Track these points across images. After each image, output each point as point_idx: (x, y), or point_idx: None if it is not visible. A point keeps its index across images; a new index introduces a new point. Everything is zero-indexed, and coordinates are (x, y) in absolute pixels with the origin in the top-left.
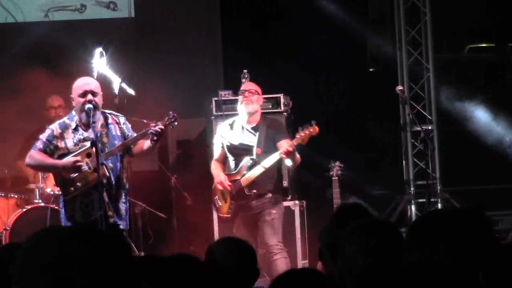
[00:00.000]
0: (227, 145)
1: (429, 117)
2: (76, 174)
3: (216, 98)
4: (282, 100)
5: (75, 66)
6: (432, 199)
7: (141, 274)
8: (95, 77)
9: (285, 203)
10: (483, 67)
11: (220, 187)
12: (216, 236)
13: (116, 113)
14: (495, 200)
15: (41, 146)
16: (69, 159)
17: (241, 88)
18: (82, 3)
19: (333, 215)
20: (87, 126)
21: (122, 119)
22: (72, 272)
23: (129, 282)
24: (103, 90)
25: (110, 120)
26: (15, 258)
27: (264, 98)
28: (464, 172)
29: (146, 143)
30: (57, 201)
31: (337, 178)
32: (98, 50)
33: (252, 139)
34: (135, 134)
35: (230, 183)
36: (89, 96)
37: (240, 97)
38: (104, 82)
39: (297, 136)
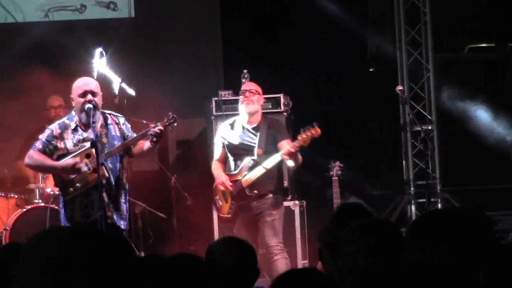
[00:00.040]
0: (227, 145)
1: (429, 117)
2: (75, 175)
3: (216, 98)
4: (282, 100)
5: (75, 66)
6: (432, 199)
7: (143, 274)
8: (95, 77)
9: (285, 203)
10: (483, 67)
11: (221, 187)
12: (216, 236)
13: (115, 114)
14: (495, 200)
15: (40, 147)
16: (68, 161)
17: (242, 88)
18: (82, 3)
19: (333, 215)
20: (87, 126)
21: (121, 120)
22: (72, 273)
23: (130, 282)
24: (103, 90)
25: (109, 121)
26: (15, 258)
27: (264, 98)
28: (464, 172)
29: (146, 144)
30: (57, 201)
31: (337, 178)
32: (98, 50)
33: (253, 140)
34: (134, 135)
35: (231, 184)
36: (89, 96)
37: (240, 97)
38: (104, 82)
39: (299, 137)
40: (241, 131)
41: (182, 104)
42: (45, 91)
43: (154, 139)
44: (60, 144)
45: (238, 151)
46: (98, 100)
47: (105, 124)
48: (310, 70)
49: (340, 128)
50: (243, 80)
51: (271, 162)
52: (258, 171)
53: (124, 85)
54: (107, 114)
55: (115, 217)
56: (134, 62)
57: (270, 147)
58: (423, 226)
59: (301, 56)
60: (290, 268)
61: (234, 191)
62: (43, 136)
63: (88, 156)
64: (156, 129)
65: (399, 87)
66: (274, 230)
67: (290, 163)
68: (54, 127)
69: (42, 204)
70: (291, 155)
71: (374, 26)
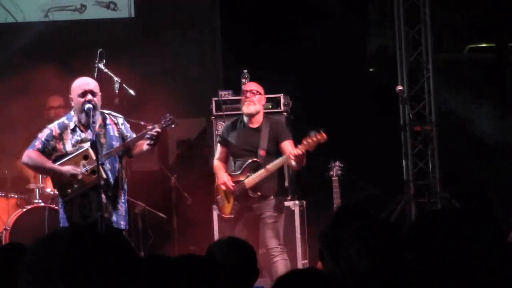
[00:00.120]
0: (230, 146)
1: (429, 117)
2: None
3: (216, 98)
4: (282, 100)
5: (75, 66)
6: (432, 199)
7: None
8: (95, 77)
9: (285, 203)
10: (483, 67)
11: (223, 187)
12: (216, 236)
13: (114, 114)
14: (495, 200)
15: (39, 146)
16: (68, 170)
17: (243, 89)
18: (82, 3)
19: (333, 215)
20: (86, 126)
21: (120, 120)
22: (77, 277)
23: (135, 284)
24: (103, 90)
25: (108, 121)
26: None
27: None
28: (464, 172)
29: (145, 145)
30: (56, 201)
31: (337, 178)
32: (98, 50)
33: (255, 140)
34: (134, 135)
35: (233, 184)
36: (89, 96)
37: (242, 98)
38: (104, 82)
39: (304, 142)
40: (243, 131)
41: (182, 104)
42: (45, 91)
43: (152, 142)
44: (59, 145)
45: (241, 151)
46: (98, 100)
47: (104, 125)
48: (310, 70)
49: (340, 128)
50: (243, 80)
51: (275, 165)
52: (262, 173)
53: (124, 85)
54: (106, 114)
55: (114, 217)
56: (134, 62)
57: (272, 148)
58: (422, 226)
59: (301, 56)
60: (291, 269)
61: (236, 192)
62: (42, 135)
63: (86, 157)
64: (153, 132)
65: (399, 87)
66: (275, 231)
67: (294, 165)
68: (54, 127)
69: (42, 204)
70: (299, 157)
71: (374, 26)
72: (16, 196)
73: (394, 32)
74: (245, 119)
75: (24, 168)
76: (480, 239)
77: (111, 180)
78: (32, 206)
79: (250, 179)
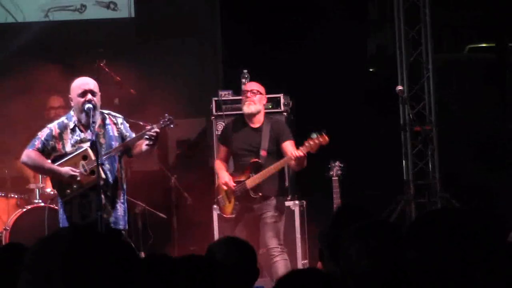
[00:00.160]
0: (230, 145)
1: (429, 117)
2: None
3: (216, 98)
4: (282, 100)
5: (75, 66)
6: (432, 199)
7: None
8: (95, 77)
9: (285, 203)
10: (483, 67)
11: (224, 187)
12: (216, 236)
13: (114, 114)
14: (495, 200)
15: (39, 146)
16: (68, 171)
17: (244, 88)
18: (82, 3)
19: (333, 215)
20: (86, 126)
21: (119, 120)
22: (77, 278)
23: (135, 284)
24: (102, 90)
25: (107, 121)
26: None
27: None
28: (464, 172)
29: (144, 145)
30: (56, 201)
31: (337, 178)
32: (98, 50)
33: (256, 140)
34: (133, 134)
35: (234, 184)
36: (89, 96)
37: (242, 98)
38: (104, 82)
39: (306, 144)
40: (244, 131)
41: (182, 104)
42: (45, 91)
43: (151, 143)
44: (59, 145)
45: (241, 151)
46: (97, 99)
47: (103, 124)
48: (310, 69)
49: (340, 128)
50: (243, 80)
51: (276, 166)
52: (263, 174)
53: (124, 85)
54: (105, 114)
55: (112, 218)
56: (133, 62)
57: (273, 148)
58: (422, 226)
59: (301, 56)
60: (291, 269)
61: (237, 192)
62: (42, 135)
63: (85, 158)
64: (152, 132)
65: (399, 87)
66: (275, 231)
67: (295, 166)
68: (54, 127)
69: (42, 204)
70: (300, 159)
71: (374, 26)
72: (16, 196)
73: (394, 32)
74: (246, 119)
75: (24, 168)
76: (480, 239)
77: (111, 180)
78: (32, 206)
79: (251, 180)
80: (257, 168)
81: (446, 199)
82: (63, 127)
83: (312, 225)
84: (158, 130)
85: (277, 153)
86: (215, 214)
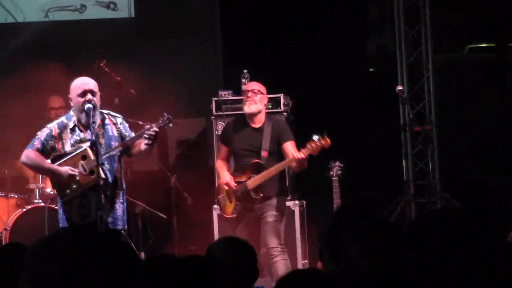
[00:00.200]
0: (231, 145)
1: (429, 117)
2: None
3: (216, 98)
4: (282, 100)
5: (75, 66)
6: (432, 199)
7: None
8: (95, 77)
9: (286, 203)
10: (483, 67)
11: (226, 187)
12: (216, 236)
13: (113, 113)
14: (495, 200)
15: (39, 146)
16: (67, 170)
17: (245, 88)
18: (82, 3)
19: (333, 215)
20: (86, 126)
21: (119, 120)
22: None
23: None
24: (102, 90)
25: (107, 121)
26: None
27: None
28: (464, 172)
29: (143, 145)
30: (56, 201)
31: (337, 178)
32: (98, 50)
33: (257, 141)
34: (133, 134)
35: (235, 184)
36: (89, 96)
37: (243, 98)
38: (104, 82)
39: (308, 146)
40: (245, 131)
41: (182, 104)
42: (45, 91)
43: (150, 142)
44: (58, 145)
45: (242, 151)
46: (97, 99)
47: (103, 124)
48: (310, 70)
49: (340, 128)
50: (243, 80)
51: (278, 167)
52: (264, 175)
53: (124, 85)
54: (105, 114)
55: (110, 218)
56: (133, 62)
57: (274, 148)
58: (422, 226)
59: (301, 56)
60: (291, 269)
61: (238, 192)
62: (41, 135)
63: (84, 157)
64: (151, 131)
65: (399, 87)
66: (276, 231)
67: (296, 168)
68: (53, 127)
69: (42, 204)
70: (302, 161)
71: (374, 26)
72: (16, 196)
73: (394, 32)
74: (247, 119)
75: (24, 168)
76: (480, 239)
77: (110, 180)
78: (32, 206)
79: (253, 180)
80: (258, 168)
81: (446, 199)
82: (62, 127)
83: (312, 225)
84: (157, 129)
85: (278, 153)
86: (215, 214)
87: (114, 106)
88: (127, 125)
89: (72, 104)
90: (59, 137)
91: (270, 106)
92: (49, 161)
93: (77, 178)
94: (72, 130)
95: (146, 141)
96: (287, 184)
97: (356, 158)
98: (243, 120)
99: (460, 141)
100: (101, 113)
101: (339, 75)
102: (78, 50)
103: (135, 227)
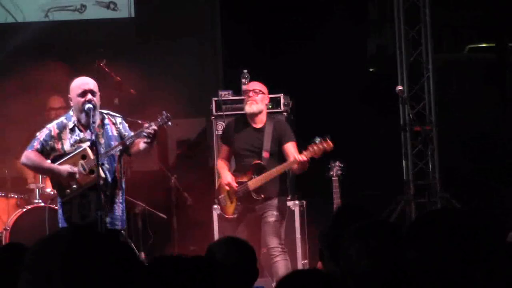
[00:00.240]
0: (232, 145)
1: (429, 117)
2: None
3: (216, 98)
4: (282, 100)
5: (75, 66)
6: (432, 199)
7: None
8: (95, 77)
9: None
10: (483, 67)
11: (227, 187)
12: (216, 236)
13: (112, 113)
14: (495, 200)
15: (38, 147)
16: (66, 168)
17: (246, 88)
18: (82, 3)
19: (333, 215)
20: (85, 126)
21: (118, 119)
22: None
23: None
24: (102, 90)
25: (106, 121)
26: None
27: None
28: (464, 172)
29: (142, 144)
30: (56, 201)
31: (337, 178)
32: (98, 50)
33: (258, 141)
34: (132, 134)
35: (236, 185)
36: (89, 96)
37: (245, 97)
38: (104, 82)
39: (310, 148)
40: (246, 131)
41: (182, 104)
42: (45, 91)
43: (149, 140)
44: (58, 145)
45: (244, 151)
46: (97, 99)
47: (102, 124)
48: (310, 70)
49: (340, 128)
50: (243, 80)
51: (279, 169)
52: (266, 176)
53: (124, 85)
54: (104, 114)
55: (108, 218)
56: (133, 62)
57: (275, 149)
58: (422, 226)
59: (301, 56)
60: (291, 269)
61: (240, 193)
62: (41, 136)
63: (84, 157)
64: (149, 129)
65: (399, 87)
66: (276, 231)
67: (297, 170)
68: (52, 127)
69: (42, 204)
70: (303, 164)
71: (374, 26)
72: (16, 196)
73: (394, 32)
74: (248, 119)
75: (24, 168)
76: (480, 239)
77: (109, 179)
78: (32, 206)
79: (254, 181)
80: (259, 170)
81: (446, 199)
82: (62, 127)
83: (312, 225)
84: (156, 127)
85: (278, 154)
86: (215, 214)
87: (114, 106)
88: (126, 125)
89: (72, 104)
90: (59, 137)
91: (270, 106)
92: (49, 161)
93: (77, 176)
94: (72, 130)
95: (145, 140)
96: (288, 184)
97: (356, 158)
98: (244, 120)
99: (460, 141)
100: (101, 113)
101: (339, 75)
102: (78, 50)
103: (135, 227)
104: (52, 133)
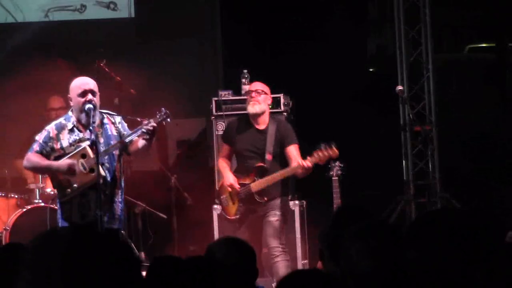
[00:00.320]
0: (234, 145)
1: (429, 117)
2: (71, 176)
3: (216, 98)
4: (282, 100)
5: (75, 66)
6: (432, 199)
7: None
8: (95, 77)
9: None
10: (483, 67)
11: (229, 188)
12: (216, 236)
13: (112, 113)
14: (495, 200)
15: (38, 149)
16: (65, 161)
17: (248, 88)
18: (82, 3)
19: (333, 216)
20: (85, 126)
21: (117, 119)
22: (77, 275)
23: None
24: (102, 90)
25: (106, 120)
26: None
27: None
28: (464, 172)
29: (141, 141)
30: (56, 201)
31: (337, 178)
32: (98, 50)
33: (261, 143)
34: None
35: (239, 186)
36: (89, 96)
37: (247, 98)
38: (104, 82)
39: (315, 154)
40: (249, 132)
41: (182, 104)
42: (45, 91)
43: (148, 137)
44: (57, 145)
45: (246, 153)
46: (97, 99)
47: (101, 124)
48: (310, 70)
49: (340, 128)
50: (243, 80)
51: (282, 174)
52: (269, 180)
53: (124, 85)
54: (103, 114)
55: (106, 217)
56: (133, 62)
57: (277, 150)
58: (422, 226)
59: (301, 56)
60: (292, 270)
61: (242, 194)
62: (40, 138)
63: (83, 156)
64: (149, 126)
65: (399, 87)
66: (276, 231)
67: (300, 175)
68: (51, 128)
69: (42, 204)
70: (307, 169)
71: (374, 26)
72: (16, 196)
73: (394, 32)
74: (251, 119)
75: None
76: (480, 239)
77: (109, 178)
78: (32, 206)
79: (257, 184)
80: (262, 172)
81: (446, 199)
82: (60, 128)
83: (312, 225)
84: (155, 124)
85: (281, 156)
86: (215, 214)
87: (114, 106)
88: (125, 124)
89: (72, 104)
90: (57, 138)
91: (270, 106)
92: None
93: (76, 170)
94: (71, 130)
95: (144, 137)
96: (289, 184)
97: (356, 158)
98: (247, 121)
99: (460, 141)
100: (100, 113)
101: (339, 75)
102: (78, 50)
103: (135, 227)
104: (51, 134)
